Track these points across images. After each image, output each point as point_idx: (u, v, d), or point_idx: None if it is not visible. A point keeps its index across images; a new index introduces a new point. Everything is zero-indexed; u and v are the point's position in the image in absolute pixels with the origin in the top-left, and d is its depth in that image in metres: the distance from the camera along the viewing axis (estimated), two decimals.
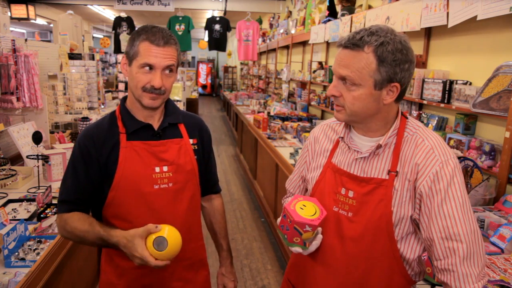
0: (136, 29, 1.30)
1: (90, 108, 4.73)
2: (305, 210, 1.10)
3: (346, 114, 1.11)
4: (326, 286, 1.21)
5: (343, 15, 4.00)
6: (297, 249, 1.15)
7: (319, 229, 1.16)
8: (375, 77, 1.05)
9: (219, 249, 1.60)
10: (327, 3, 4.47)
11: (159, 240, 1.14)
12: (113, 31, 7.72)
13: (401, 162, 1.11)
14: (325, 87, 5.15)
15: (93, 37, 14.51)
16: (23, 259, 1.57)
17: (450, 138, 2.36)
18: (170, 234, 1.16)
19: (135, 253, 1.15)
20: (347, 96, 1.08)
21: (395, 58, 1.04)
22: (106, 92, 6.30)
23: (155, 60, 1.22)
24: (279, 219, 1.21)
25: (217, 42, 7.92)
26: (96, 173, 1.29)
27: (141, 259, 1.14)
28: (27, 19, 7.69)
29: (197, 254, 1.46)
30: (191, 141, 1.42)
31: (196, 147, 1.44)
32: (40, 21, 10.15)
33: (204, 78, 19.44)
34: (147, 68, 1.23)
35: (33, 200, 2.14)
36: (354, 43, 1.05)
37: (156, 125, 1.35)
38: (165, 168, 1.33)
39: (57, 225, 1.33)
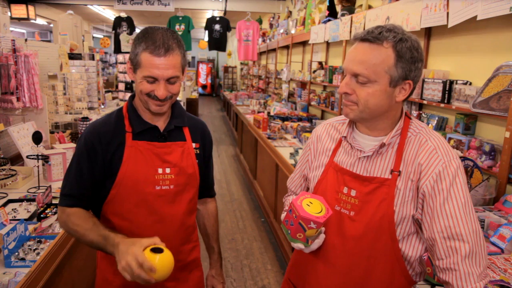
0: (138, 33, 1.26)
1: (90, 108, 4.73)
2: (312, 207, 1.10)
3: (358, 110, 1.10)
4: (327, 285, 1.21)
5: (343, 15, 4.00)
6: (299, 245, 1.15)
7: (322, 228, 1.17)
8: (391, 74, 1.05)
9: (210, 251, 1.62)
10: (327, 3, 4.47)
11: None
12: (113, 31, 7.71)
13: (404, 162, 1.11)
14: (325, 87, 5.15)
15: (93, 37, 14.50)
16: (23, 259, 1.57)
17: (450, 138, 2.36)
18: (162, 261, 1.08)
19: (129, 250, 1.06)
20: (361, 93, 1.07)
21: (412, 55, 1.05)
22: (106, 92, 6.30)
23: (158, 72, 1.19)
24: (283, 214, 1.21)
25: (217, 42, 7.92)
26: (100, 169, 1.29)
27: (133, 257, 1.05)
28: (27, 19, 7.69)
29: (191, 255, 1.47)
30: (193, 145, 1.43)
31: (198, 152, 1.44)
32: (40, 21, 10.15)
33: (204, 78, 19.44)
34: (151, 80, 1.21)
35: (33, 200, 2.14)
36: (374, 36, 1.04)
37: (162, 127, 1.36)
38: (167, 170, 1.33)
39: (58, 218, 1.32)
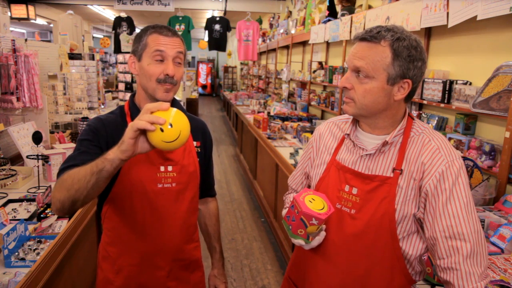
0: (140, 29, 1.31)
1: (90, 108, 4.73)
2: (314, 203, 1.11)
3: (355, 107, 1.12)
4: (327, 283, 1.21)
5: (343, 15, 4.00)
6: (299, 241, 1.15)
7: (323, 225, 1.17)
8: (388, 71, 1.06)
9: (212, 251, 1.62)
10: (327, 3, 4.47)
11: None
12: (113, 31, 7.71)
13: (407, 160, 1.12)
14: (325, 87, 5.15)
15: (93, 37, 14.50)
16: (23, 259, 1.57)
17: (450, 138, 2.36)
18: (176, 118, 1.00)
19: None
20: (359, 88, 1.10)
21: (409, 54, 1.06)
22: (106, 92, 6.30)
23: (165, 47, 1.25)
24: (284, 210, 1.21)
25: (217, 42, 7.92)
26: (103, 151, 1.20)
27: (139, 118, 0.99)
28: (27, 19, 7.69)
29: (193, 254, 1.47)
30: (194, 143, 1.44)
31: (199, 150, 1.45)
32: (40, 21, 10.14)
33: (204, 78, 19.43)
34: (159, 58, 1.25)
35: (33, 200, 2.14)
36: (372, 35, 1.08)
37: None
38: (169, 168, 1.33)
39: (52, 191, 1.14)
